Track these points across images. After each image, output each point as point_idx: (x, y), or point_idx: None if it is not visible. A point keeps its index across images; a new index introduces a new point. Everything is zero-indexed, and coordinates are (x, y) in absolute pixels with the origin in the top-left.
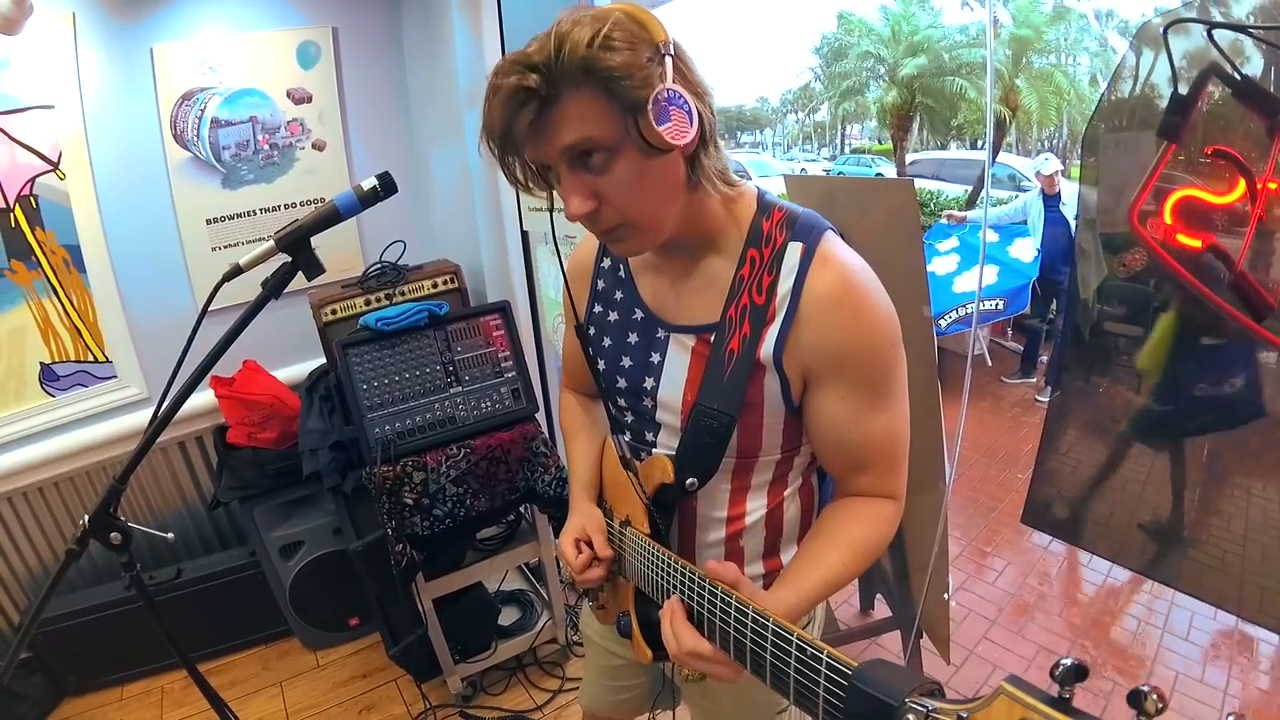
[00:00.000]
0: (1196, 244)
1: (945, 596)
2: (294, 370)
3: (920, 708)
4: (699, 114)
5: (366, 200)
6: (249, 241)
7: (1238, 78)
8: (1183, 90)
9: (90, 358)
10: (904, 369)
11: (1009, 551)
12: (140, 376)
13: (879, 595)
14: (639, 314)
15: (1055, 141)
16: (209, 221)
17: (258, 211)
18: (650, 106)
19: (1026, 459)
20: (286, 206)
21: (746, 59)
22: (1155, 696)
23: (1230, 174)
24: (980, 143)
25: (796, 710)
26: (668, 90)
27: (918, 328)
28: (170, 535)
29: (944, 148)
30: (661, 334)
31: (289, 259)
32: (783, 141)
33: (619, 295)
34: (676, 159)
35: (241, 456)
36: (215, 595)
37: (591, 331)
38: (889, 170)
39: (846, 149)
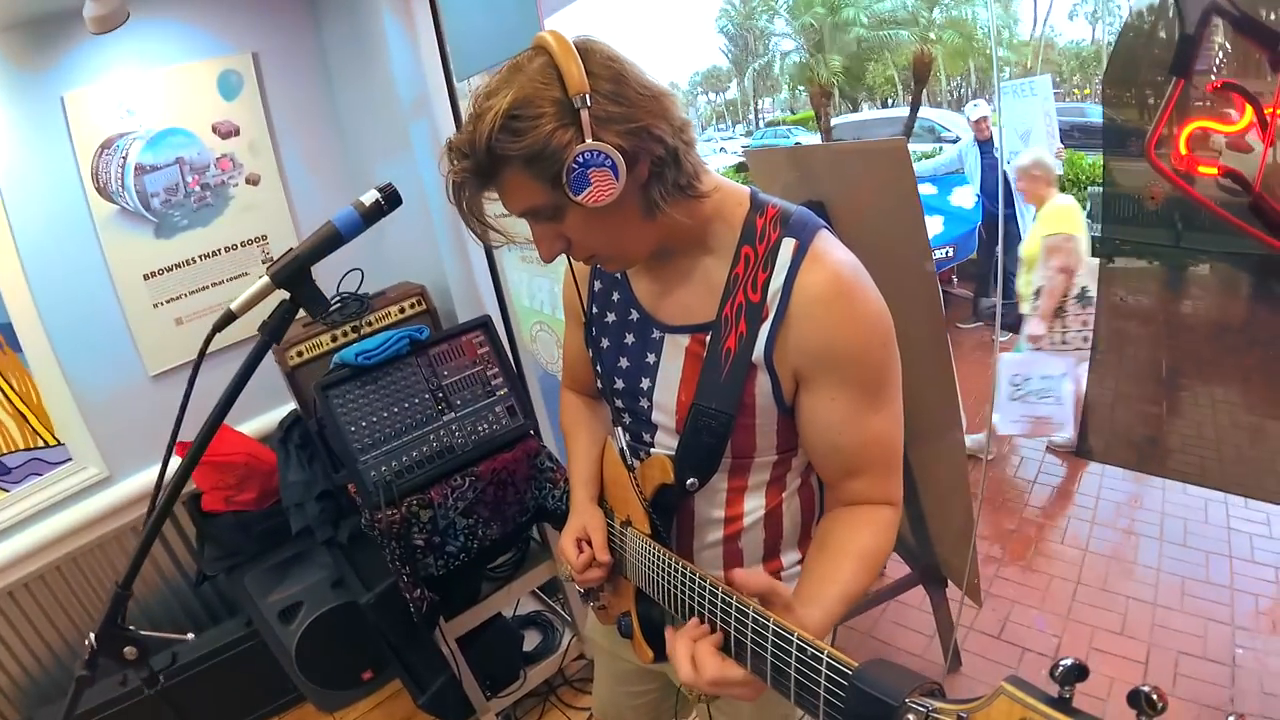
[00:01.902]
0: (1213, 171)
1: (973, 541)
2: (261, 422)
3: (920, 707)
4: (633, 155)
5: (370, 216)
6: (191, 293)
7: (1236, 13)
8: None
9: (40, 443)
10: (898, 370)
11: (998, 489)
12: (97, 455)
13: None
14: (635, 315)
15: (964, 90)
16: (146, 276)
17: (198, 259)
18: (565, 179)
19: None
20: (228, 249)
21: (653, 46)
22: (1155, 696)
23: (1238, 104)
24: (891, 101)
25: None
26: (582, 155)
27: (921, 283)
28: (190, 636)
29: (855, 110)
30: (656, 334)
31: (287, 295)
32: (697, 124)
33: (616, 296)
34: (626, 199)
35: (222, 523)
36: (217, 673)
37: (592, 332)
38: (807, 139)
39: (761, 123)
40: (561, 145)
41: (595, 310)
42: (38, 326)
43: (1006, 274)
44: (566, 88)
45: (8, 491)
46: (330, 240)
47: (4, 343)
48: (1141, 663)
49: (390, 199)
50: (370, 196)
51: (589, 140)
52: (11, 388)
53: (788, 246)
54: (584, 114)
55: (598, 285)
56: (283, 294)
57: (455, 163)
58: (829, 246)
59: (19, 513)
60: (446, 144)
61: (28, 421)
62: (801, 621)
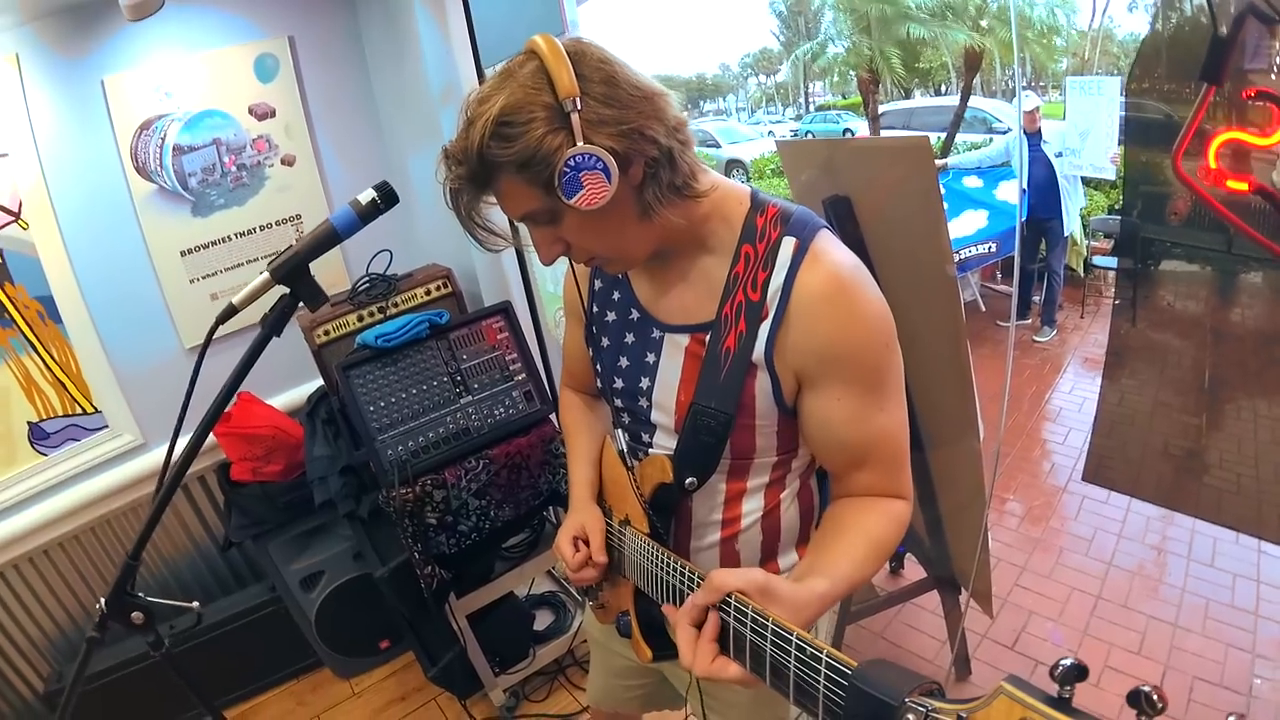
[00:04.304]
0: (1243, 187)
1: (980, 547)
2: (291, 396)
3: (920, 707)
4: (625, 157)
5: (366, 215)
6: (227, 269)
7: (1276, 16)
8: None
9: (78, 410)
10: (900, 368)
11: (1027, 495)
12: (133, 423)
13: (909, 555)
14: (635, 314)
15: (1018, 80)
16: (184, 253)
17: (233, 236)
18: (558, 184)
19: (1031, 402)
20: (262, 228)
21: (705, 26)
22: (1155, 696)
23: (1274, 115)
24: (945, 88)
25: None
26: (573, 158)
27: (942, 287)
28: (195, 604)
29: (908, 96)
30: (656, 334)
31: (287, 290)
32: (746, 106)
33: (616, 295)
34: (621, 200)
35: (249, 493)
36: (239, 636)
37: (593, 330)
38: (857, 124)
39: (811, 107)
40: (552, 149)
41: (596, 309)
42: (78, 299)
43: (1051, 271)
44: (557, 92)
45: (46, 455)
46: (328, 238)
47: (45, 314)
48: (1155, 685)
49: (387, 198)
50: (367, 195)
51: (580, 143)
52: (52, 357)
53: (788, 245)
54: (574, 117)
55: (598, 284)
56: (282, 289)
57: (451, 170)
58: (829, 246)
59: (56, 475)
60: (442, 151)
61: (66, 390)
62: (804, 593)
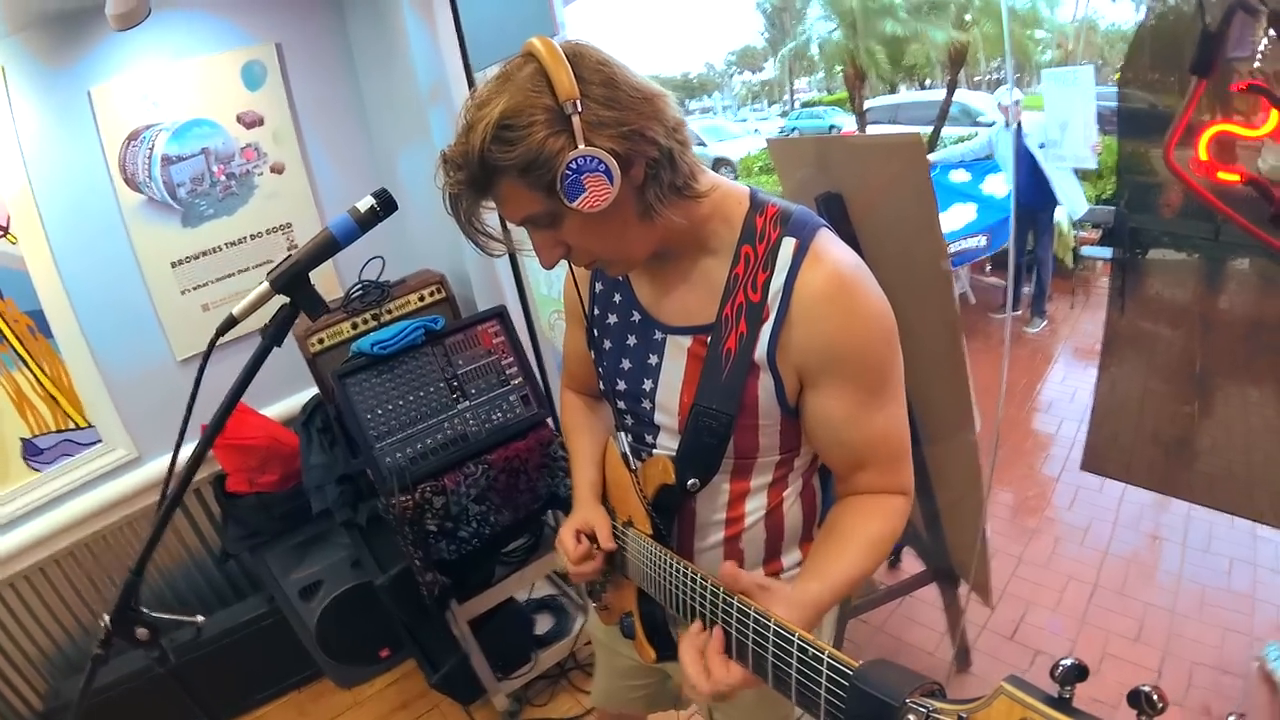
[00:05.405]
0: (1235, 178)
1: (979, 539)
2: (285, 405)
3: (921, 708)
4: (626, 158)
5: (365, 223)
6: (218, 279)
7: (1266, 9)
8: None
9: (71, 425)
10: (900, 366)
11: (1022, 486)
12: (126, 437)
13: (906, 549)
14: (636, 316)
15: (1003, 73)
16: (174, 264)
17: (223, 247)
18: (560, 187)
19: (1023, 393)
20: (253, 237)
21: (690, 24)
22: (1155, 696)
23: (1264, 107)
24: (929, 82)
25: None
26: (575, 160)
27: (937, 283)
28: (200, 619)
29: (893, 91)
30: (658, 336)
31: (287, 300)
32: (732, 103)
33: (617, 298)
34: (622, 202)
35: (245, 504)
36: (239, 648)
37: (594, 333)
38: (843, 120)
39: (796, 104)
40: (554, 152)
41: (597, 312)
42: (68, 313)
43: (1040, 262)
44: (557, 94)
45: (40, 471)
46: (327, 247)
47: (36, 329)
48: (1155, 671)
49: (385, 205)
50: (366, 203)
51: (581, 146)
52: (44, 372)
53: (788, 246)
54: (575, 120)
55: (599, 287)
56: (282, 298)
57: (450, 175)
58: (830, 245)
59: (51, 491)
60: (441, 156)
61: (59, 405)
62: (799, 594)
